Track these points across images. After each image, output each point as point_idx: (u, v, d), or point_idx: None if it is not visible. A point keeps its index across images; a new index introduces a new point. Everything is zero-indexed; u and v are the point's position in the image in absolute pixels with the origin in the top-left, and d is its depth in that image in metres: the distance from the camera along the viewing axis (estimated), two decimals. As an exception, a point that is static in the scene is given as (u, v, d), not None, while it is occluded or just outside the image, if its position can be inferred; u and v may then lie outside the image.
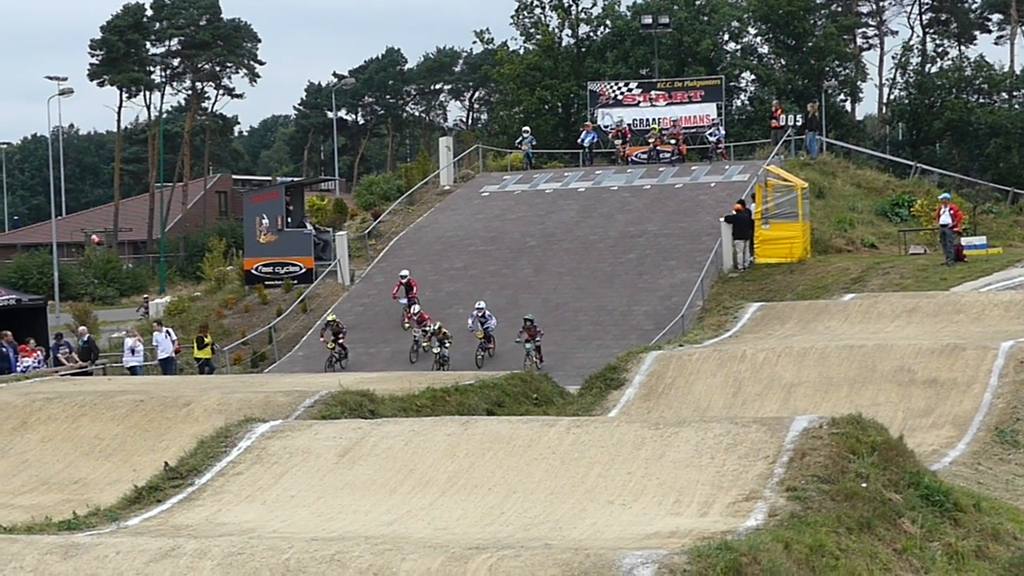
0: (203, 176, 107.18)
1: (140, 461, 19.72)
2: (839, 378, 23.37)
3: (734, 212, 44.13)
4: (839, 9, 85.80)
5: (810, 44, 77.61)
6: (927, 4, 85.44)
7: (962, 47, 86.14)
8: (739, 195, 46.03)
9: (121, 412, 21.54)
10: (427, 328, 40.60)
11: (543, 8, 78.55)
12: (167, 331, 40.09)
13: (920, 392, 22.50)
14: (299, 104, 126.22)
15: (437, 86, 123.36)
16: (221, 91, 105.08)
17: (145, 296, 58.59)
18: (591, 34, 79.16)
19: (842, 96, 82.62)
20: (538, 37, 77.98)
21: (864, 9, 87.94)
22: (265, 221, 48.82)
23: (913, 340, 24.93)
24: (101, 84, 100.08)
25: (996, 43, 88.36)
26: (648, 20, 68.73)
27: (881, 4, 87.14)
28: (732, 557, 11.50)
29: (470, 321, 40.26)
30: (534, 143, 57.97)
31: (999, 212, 50.65)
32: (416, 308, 41.82)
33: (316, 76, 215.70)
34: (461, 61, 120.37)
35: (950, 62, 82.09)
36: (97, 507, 16.08)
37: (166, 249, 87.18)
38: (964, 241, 42.09)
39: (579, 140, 57.79)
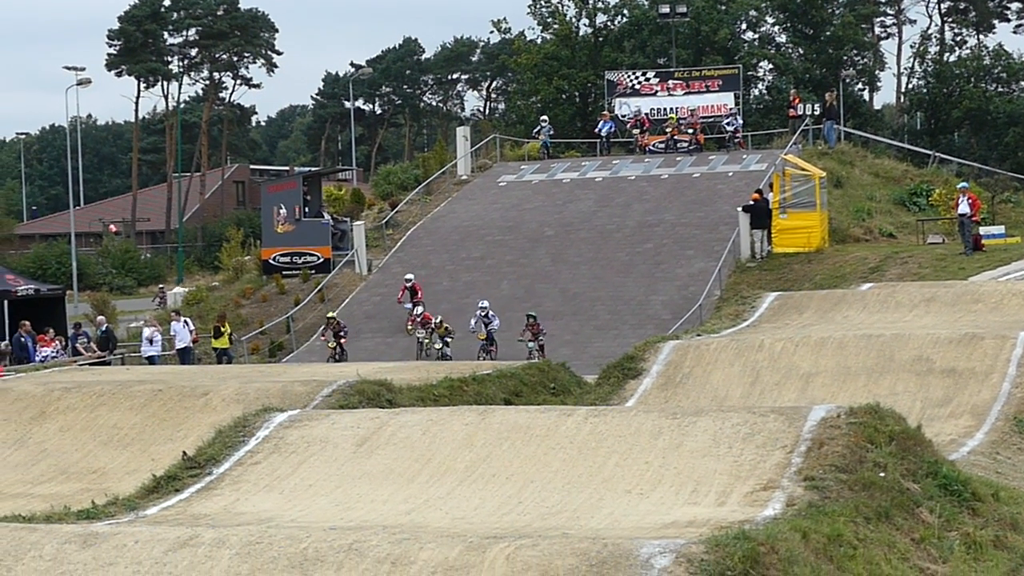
0: (221, 166, 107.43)
1: (158, 450, 19.76)
2: (857, 368, 23.31)
3: (752, 201, 44.07)
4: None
5: (828, 33, 77.47)
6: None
7: (981, 36, 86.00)
8: (757, 184, 45.96)
9: (139, 402, 21.58)
10: (430, 327, 39.52)
11: (560, -3, 78.58)
12: (185, 321, 40.10)
13: (938, 382, 22.44)
14: (316, 94, 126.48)
15: (454, 76, 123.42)
16: (238, 81, 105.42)
17: (160, 286, 58.71)
18: (608, 23, 79.09)
19: (860, 85, 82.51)
20: (556, 26, 77.92)
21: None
22: (283, 211, 48.86)
23: (931, 329, 24.87)
24: (119, 74, 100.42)
25: (1015, 32, 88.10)
26: (666, 9, 68.58)
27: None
28: (750, 547, 11.49)
29: (472, 321, 38.92)
30: (552, 133, 57.94)
31: (1018, 201, 50.49)
32: (420, 310, 40.86)
33: (333, 66, 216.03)
34: (479, 51, 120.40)
35: (968, 51, 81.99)
36: (116, 496, 16.11)
37: (184, 239, 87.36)
38: (982, 230, 41.97)
39: (596, 130, 57.74)
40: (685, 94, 57.92)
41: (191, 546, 12.39)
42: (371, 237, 48.40)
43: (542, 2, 78.65)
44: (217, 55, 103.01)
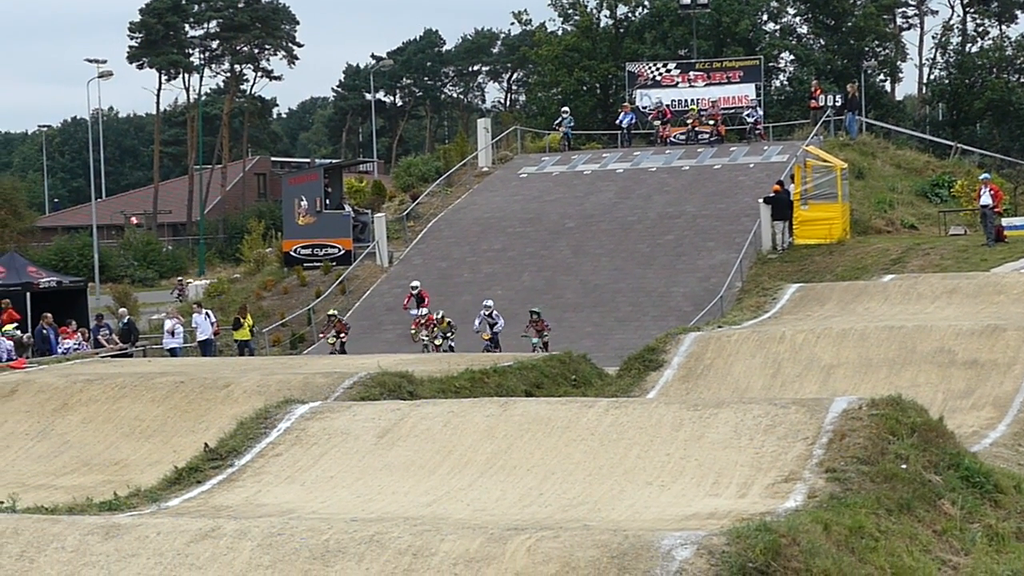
0: (242, 158, 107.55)
1: (180, 442, 19.78)
2: (878, 359, 23.27)
3: (773, 193, 43.99)
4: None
5: (849, 24, 77.32)
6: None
7: (1003, 26, 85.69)
8: (778, 176, 45.90)
9: (161, 393, 21.62)
10: (431, 326, 38.84)
11: (581, -11, 78.53)
12: (207, 313, 40.20)
13: (960, 373, 22.38)
14: (337, 86, 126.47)
15: (475, 67, 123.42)
16: (260, 73, 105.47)
17: (180, 279, 58.80)
18: (629, 15, 79.07)
19: (882, 76, 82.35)
20: (576, 18, 77.92)
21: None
22: (304, 203, 48.92)
23: (953, 321, 24.79)
24: (140, 67, 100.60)
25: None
26: (686, 1, 68.46)
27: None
28: (771, 538, 11.47)
29: (477, 322, 38.08)
30: (572, 124, 57.87)
31: (1040, 192, 50.34)
32: (423, 311, 40.05)
33: (354, 58, 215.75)
34: (499, 42, 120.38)
35: (991, 42, 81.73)
36: (138, 488, 16.15)
37: (205, 231, 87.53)
38: (1005, 222, 41.83)
39: (617, 121, 57.67)
40: (706, 85, 57.80)
41: (213, 538, 12.42)
42: (392, 229, 48.40)
43: (563, -7, 78.68)
44: (238, 47, 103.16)
